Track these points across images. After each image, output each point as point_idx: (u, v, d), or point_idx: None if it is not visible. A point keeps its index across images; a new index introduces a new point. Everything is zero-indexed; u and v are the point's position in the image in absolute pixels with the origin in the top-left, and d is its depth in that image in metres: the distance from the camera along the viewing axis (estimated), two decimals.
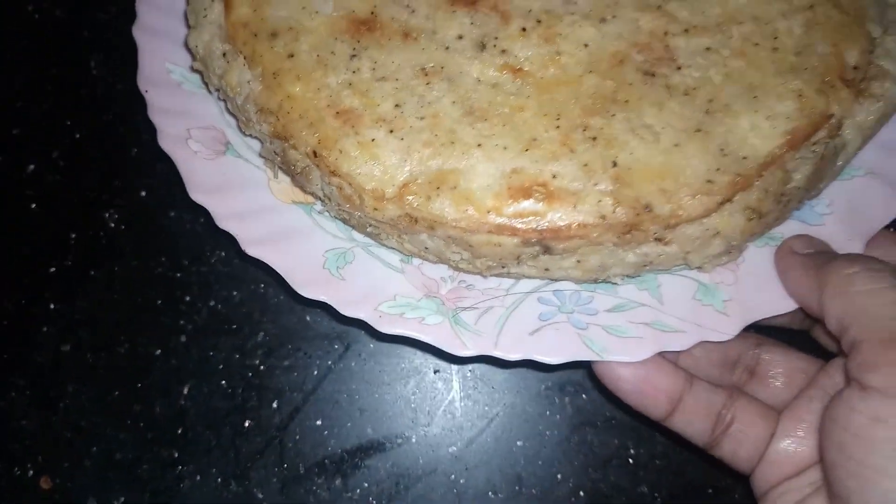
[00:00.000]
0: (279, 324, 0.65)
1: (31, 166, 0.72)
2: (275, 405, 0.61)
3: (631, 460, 0.59)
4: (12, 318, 0.65)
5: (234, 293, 0.66)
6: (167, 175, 0.61)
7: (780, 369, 0.53)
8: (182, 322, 0.65)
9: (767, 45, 0.52)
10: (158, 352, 0.64)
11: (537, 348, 0.50)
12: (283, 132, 0.50)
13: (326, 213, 0.56)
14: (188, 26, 0.56)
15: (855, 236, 0.54)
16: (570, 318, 0.52)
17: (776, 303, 0.51)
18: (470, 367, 0.59)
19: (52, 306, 0.66)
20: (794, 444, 0.49)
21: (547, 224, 0.46)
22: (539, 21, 0.52)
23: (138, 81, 0.60)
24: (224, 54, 0.54)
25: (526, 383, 0.61)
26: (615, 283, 0.53)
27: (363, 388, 0.61)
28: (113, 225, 0.70)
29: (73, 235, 0.69)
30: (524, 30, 0.52)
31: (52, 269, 0.67)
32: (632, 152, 0.48)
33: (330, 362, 0.63)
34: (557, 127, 0.49)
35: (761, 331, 0.55)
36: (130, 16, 0.64)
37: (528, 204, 0.47)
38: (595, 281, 0.53)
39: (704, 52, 0.51)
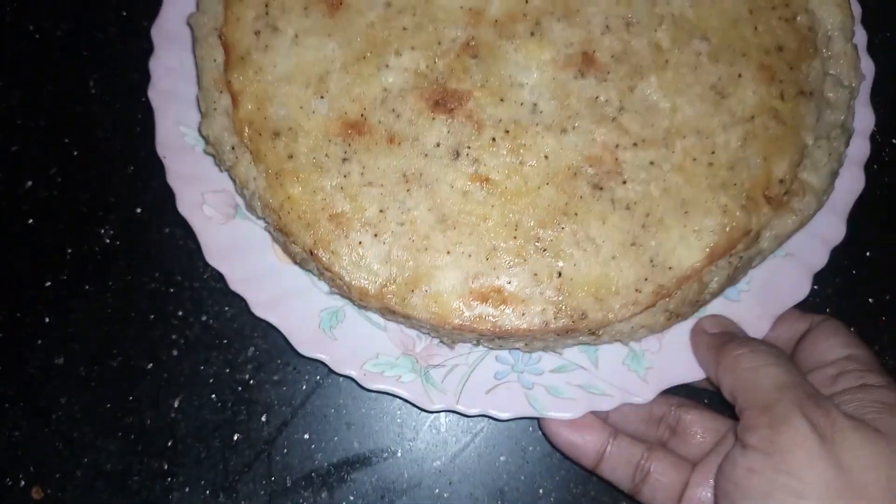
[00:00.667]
0: (269, 339, 0.70)
1: (29, 182, 0.74)
2: (264, 419, 0.67)
3: None
4: (7, 330, 0.68)
5: (226, 308, 0.71)
6: (161, 192, 0.65)
7: (698, 427, 0.64)
8: (174, 336, 0.68)
9: (704, 160, 0.60)
10: (150, 365, 0.67)
11: (492, 405, 0.63)
12: (285, 230, 0.59)
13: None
14: (200, 112, 0.63)
15: (765, 315, 0.64)
16: (519, 377, 0.64)
17: (689, 372, 0.63)
18: None
19: (46, 319, 0.68)
20: (705, 490, 0.60)
21: (500, 326, 0.57)
22: (507, 131, 0.60)
23: (157, 147, 0.67)
24: (233, 147, 0.62)
25: None
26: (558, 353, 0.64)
27: (350, 403, 0.71)
28: (108, 241, 0.72)
29: (69, 250, 0.72)
30: (494, 140, 0.60)
31: (48, 283, 0.70)
32: (574, 264, 0.57)
33: (318, 378, 0.70)
34: (515, 237, 0.58)
35: (689, 390, 0.66)
36: (130, 35, 0.68)
37: (484, 308, 0.57)
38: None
39: (648, 167, 0.59)
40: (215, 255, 0.65)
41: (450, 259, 0.58)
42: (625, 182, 0.59)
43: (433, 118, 0.60)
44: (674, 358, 0.64)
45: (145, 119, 0.68)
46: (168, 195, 0.65)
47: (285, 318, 0.64)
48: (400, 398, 0.63)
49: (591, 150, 0.59)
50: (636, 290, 0.57)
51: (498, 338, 0.59)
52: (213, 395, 0.69)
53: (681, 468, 0.62)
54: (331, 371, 0.63)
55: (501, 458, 0.68)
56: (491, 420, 0.69)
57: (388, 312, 0.59)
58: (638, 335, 0.61)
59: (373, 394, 0.72)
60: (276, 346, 0.71)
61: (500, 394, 0.63)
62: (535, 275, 0.57)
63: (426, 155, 0.60)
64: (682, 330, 0.64)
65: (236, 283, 0.65)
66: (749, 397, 0.53)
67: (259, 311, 0.64)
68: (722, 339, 0.59)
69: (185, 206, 0.66)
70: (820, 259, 0.65)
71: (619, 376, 0.63)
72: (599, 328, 0.58)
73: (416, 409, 0.68)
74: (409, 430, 0.70)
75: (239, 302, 0.63)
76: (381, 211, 0.59)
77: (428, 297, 0.57)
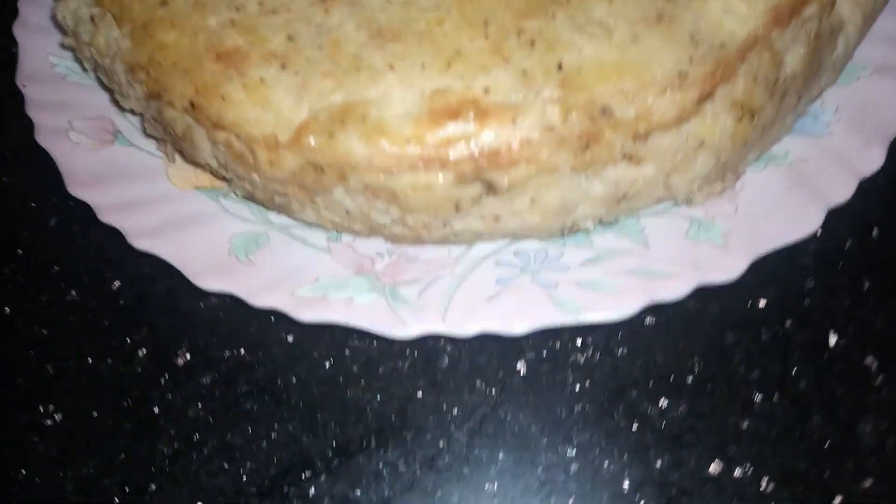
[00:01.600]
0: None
1: None
2: None
3: None
4: None
5: None
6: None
7: None
8: None
9: None
10: None
11: (496, 317, 0.40)
12: (156, 87, 0.41)
13: (234, 196, 0.47)
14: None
15: (872, 141, 0.44)
16: (534, 278, 0.41)
17: (787, 230, 0.41)
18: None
19: None
20: None
21: (482, 147, 0.36)
22: None
23: (17, 79, 0.52)
24: (92, 18, 0.45)
25: None
26: (588, 231, 0.42)
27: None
28: None
29: None
30: None
31: None
32: (580, 52, 0.38)
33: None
34: (486, 36, 0.39)
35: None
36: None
37: (455, 127, 0.37)
38: (562, 232, 0.42)
39: None
40: (79, 181, 0.46)
41: (394, 76, 0.39)
42: None
43: None
44: (761, 216, 0.42)
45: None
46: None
47: (177, 247, 0.43)
48: (357, 330, 0.41)
49: None
50: (679, 75, 0.37)
51: (489, 188, 0.38)
52: None
53: None
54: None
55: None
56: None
57: (315, 177, 0.39)
58: (698, 168, 0.40)
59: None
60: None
61: (509, 300, 0.40)
62: (525, 73, 0.38)
63: None
64: (765, 181, 0.44)
65: (107, 212, 0.45)
66: None
67: (139, 241, 0.44)
68: None
69: (43, 134, 0.49)
70: None
71: (686, 251, 0.41)
72: (637, 139, 0.37)
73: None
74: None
75: None
76: (289, 38, 0.41)
77: (368, 127, 0.37)
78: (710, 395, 0.43)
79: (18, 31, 0.55)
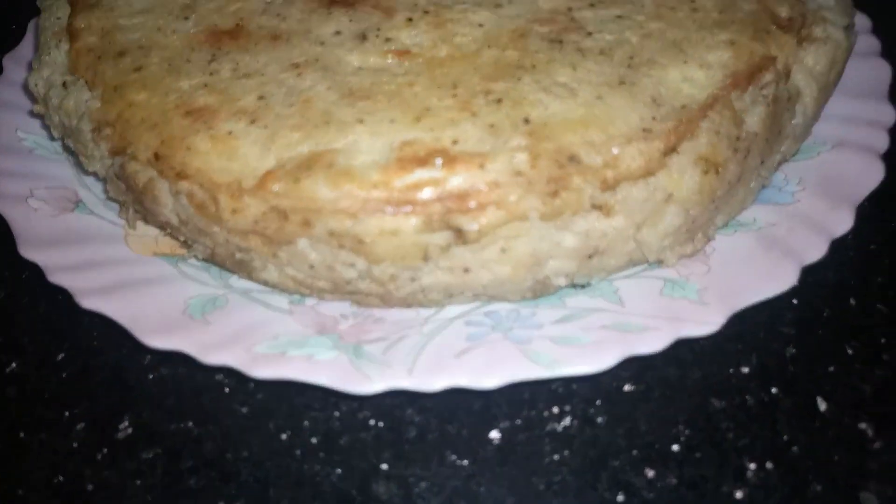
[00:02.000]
0: None
1: None
2: None
3: None
4: None
5: None
6: None
7: None
8: None
9: (685, 8, 0.46)
10: None
11: (466, 372, 0.37)
12: (121, 142, 0.41)
13: (198, 263, 0.45)
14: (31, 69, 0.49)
15: (840, 205, 0.44)
16: (507, 335, 0.39)
17: (763, 286, 0.40)
18: None
19: None
20: None
21: (450, 190, 0.36)
22: (427, 12, 0.46)
23: None
24: (64, 84, 0.46)
25: None
26: (559, 292, 0.41)
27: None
28: None
29: None
30: (410, 19, 0.45)
31: None
32: (546, 108, 0.39)
33: None
34: (454, 96, 0.40)
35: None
36: None
37: (423, 172, 0.37)
38: (534, 292, 0.41)
39: (616, 20, 0.45)
40: (32, 243, 0.45)
41: (363, 128, 0.39)
42: (590, 34, 0.44)
43: (329, 13, 0.46)
44: (737, 274, 0.41)
45: None
46: None
47: (127, 306, 0.41)
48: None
49: (537, 15, 0.45)
50: (643, 131, 0.38)
51: (457, 236, 0.37)
52: None
53: None
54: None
55: None
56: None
57: (278, 224, 0.38)
58: (668, 222, 0.39)
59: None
60: None
61: (479, 355, 0.38)
62: (492, 126, 0.38)
63: (322, 43, 0.44)
64: (736, 244, 0.43)
65: (56, 273, 0.43)
66: None
67: (86, 300, 0.41)
68: None
69: (2, 201, 0.47)
70: (881, 143, 0.48)
71: (662, 307, 0.40)
72: (606, 188, 0.37)
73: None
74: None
75: None
76: (260, 98, 0.41)
77: (334, 173, 0.37)
78: (700, 464, 0.40)
79: None
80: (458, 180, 0.36)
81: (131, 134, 0.40)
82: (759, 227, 0.44)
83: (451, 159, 0.37)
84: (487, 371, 0.37)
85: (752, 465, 0.40)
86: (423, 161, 0.37)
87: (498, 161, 0.36)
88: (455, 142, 0.38)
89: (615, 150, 0.37)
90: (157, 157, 0.39)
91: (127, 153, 0.40)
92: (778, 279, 0.41)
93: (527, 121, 0.38)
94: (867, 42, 0.53)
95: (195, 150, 0.39)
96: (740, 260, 0.42)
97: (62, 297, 0.48)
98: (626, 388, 0.43)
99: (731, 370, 0.43)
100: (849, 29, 0.47)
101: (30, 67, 0.50)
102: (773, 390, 0.43)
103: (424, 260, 0.38)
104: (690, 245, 0.42)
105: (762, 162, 0.42)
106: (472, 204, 0.36)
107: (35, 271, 0.45)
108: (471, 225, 0.36)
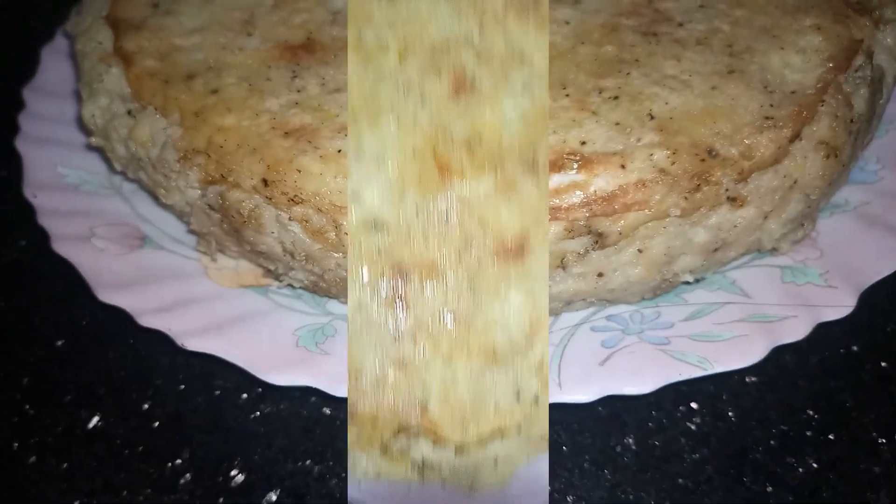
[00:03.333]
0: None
1: None
2: None
3: None
4: None
5: None
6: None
7: None
8: None
9: None
10: None
11: (616, 379, 0.36)
12: (218, 170, 0.38)
13: (288, 292, 0.43)
14: (79, 103, 0.45)
15: None
16: (641, 336, 0.39)
17: (880, 264, 0.41)
18: None
19: None
20: None
21: (595, 193, 0.35)
22: None
23: (24, 188, 0.48)
24: (129, 112, 0.42)
25: None
26: (685, 283, 0.40)
27: None
28: None
29: None
30: None
31: None
32: (666, 102, 0.38)
33: None
34: (567, 95, 0.39)
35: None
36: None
37: (560, 178, 0.35)
38: (654, 292, 0.40)
39: (699, 9, 0.44)
40: (109, 287, 0.41)
41: None
42: (681, 24, 0.43)
43: None
44: (850, 255, 0.42)
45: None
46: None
47: (237, 346, 0.38)
48: None
49: (619, 8, 0.44)
50: (767, 118, 0.38)
51: (597, 240, 0.36)
52: None
53: None
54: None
55: None
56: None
57: None
58: (791, 208, 0.39)
59: None
60: None
61: (623, 361, 0.37)
62: (618, 124, 0.37)
63: None
64: (837, 226, 0.44)
65: (147, 316, 0.40)
66: None
67: (191, 342, 0.38)
68: None
69: (62, 243, 0.44)
70: None
71: (790, 294, 0.40)
72: (740, 180, 0.37)
73: None
74: None
75: None
76: None
77: None
78: (834, 446, 0.40)
79: (21, 145, 0.51)
80: (600, 182, 0.35)
81: (229, 160, 0.38)
82: (853, 207, 0.45)
83: (586, 161, 0.36)
84: (638, 375, 0.36)
85: (882, 441, 0.40)
86: (557, 166, 0.36)
87: (637, 160, 0.35)
88: (583, 142, 0.37)
89: (747, 140, 0.37)
90: (265, 183, 0.37)
91: (227, 181, 0.38)
92: (889, 256, 0.41)
93: (651, 116, 0.37)
94: None
95: (307, 172, 0.36)
96: (847, 241, 0.43)
97: (133, 341, 0.45)
98: (748, 379, 0.42)
99: (841, 350, 0.44)
100: None
101: (77, 97, 0.46)
102: (883, 364, 0.43)
103: (563, 268, 0.36)
104: (801, 230, 0.42)
105: (865, 137, 0.43)
106: (618, 205, 0.35)
107: (99, 314, 0.42)
108: (613, 228, 0.35)
